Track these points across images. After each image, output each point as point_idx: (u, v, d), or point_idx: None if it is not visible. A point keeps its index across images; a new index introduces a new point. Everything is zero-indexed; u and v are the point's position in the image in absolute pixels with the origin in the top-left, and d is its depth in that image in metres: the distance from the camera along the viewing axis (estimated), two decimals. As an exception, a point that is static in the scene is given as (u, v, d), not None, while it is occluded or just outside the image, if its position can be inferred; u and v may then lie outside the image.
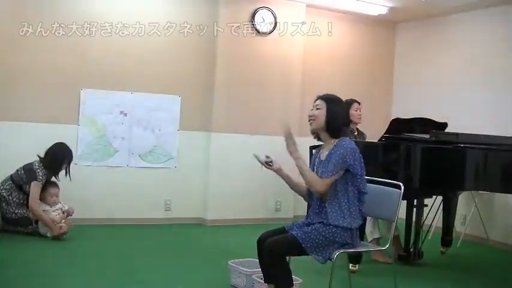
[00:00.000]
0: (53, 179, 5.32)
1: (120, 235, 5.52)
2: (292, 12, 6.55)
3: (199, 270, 4.39)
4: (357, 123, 5.35)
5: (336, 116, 3.30)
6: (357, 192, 3.25)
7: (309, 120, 3.37)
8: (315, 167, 3.35)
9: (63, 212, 5.20)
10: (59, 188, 5.25)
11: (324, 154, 3.32)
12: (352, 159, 3.18)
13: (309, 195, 3.37)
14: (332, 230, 3.16)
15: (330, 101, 3.34)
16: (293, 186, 3.41)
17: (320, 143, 3.44)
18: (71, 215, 5.26)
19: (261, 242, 3.21)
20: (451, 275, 4.74)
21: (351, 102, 5.30)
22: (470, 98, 6.31)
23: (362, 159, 3.25)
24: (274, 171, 3.32)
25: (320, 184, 3.17)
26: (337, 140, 3.28)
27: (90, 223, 5.72)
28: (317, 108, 3.33)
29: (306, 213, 3.77)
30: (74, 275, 4.03)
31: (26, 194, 5.19)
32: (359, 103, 5.36)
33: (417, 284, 4.35)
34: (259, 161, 3.29)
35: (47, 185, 5.21)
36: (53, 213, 5.11)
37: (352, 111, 5.25)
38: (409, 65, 7.26)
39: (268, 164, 3.30)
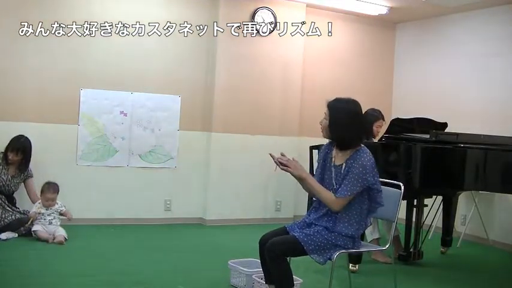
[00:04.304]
0: (52, 180, 5.24)
1: (120, 235, 5.52)
2: (292, 12, 6.55)
3: (199, 270, 4.39)
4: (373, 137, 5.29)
5: (340, 128, 3.13)
6: (371, 204, 3.18)
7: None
8: (332, 173, 3.20)
9: (60, 214, 5.17)
10: (56, 193, 5.13)
11: (339, 160, 3.19)
12: (372, 176, 3.08)
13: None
14: (335, 235, 3.14)
15: (334, 110, 3.15)
16: (307, 188, 3.28)
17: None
18: (70, 219, 5.19)
19: (262, 242, 3.21)
20: (451, 275, 4.74)
21: (377, 117, 5.19)
22: (470, 98, 6.31)
23: (377, 171, 3.15)
24: (290, 172, 3.14)
25: (336, 206, 3.10)
26: (354, 151, 3.15)
27: (90, 223, 5.72)
28: (325, 118, 3.19)
29: (306, 213, 3.76)
30: (74, 275, 4.03)
31: (6, 196, 5.20)
32: (384, 119, 5.25)
33: (417, 284, 4.36)
34: (275, 161, 3.13)
35: (45, 187, 5.16)
36: (48, 217, 5.06)
37: (374, 127, 5.18)
38: (409, 65, 7.26)
39: (283, 164, 3.12)
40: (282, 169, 3.14)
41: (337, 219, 3.16)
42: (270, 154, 3.17)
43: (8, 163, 5.24)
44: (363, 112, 3.40)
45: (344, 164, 3.16)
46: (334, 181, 3.19)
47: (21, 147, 5.25)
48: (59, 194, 5.19)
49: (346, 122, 3.14)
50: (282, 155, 3.18)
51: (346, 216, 3.15)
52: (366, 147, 3.19)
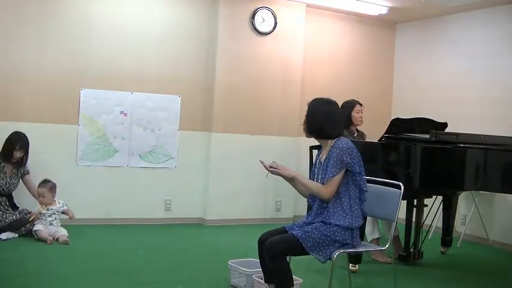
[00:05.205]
0: (46, 177, 5.24)
1: (120, 235, 5.52)
2: (292, 12, 6.55)
3: (199, 270, 4.39)
4: (357, 125, 5.33)
5: (315, 118, 3.31)
6: (358, 191, 3.26)
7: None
8: (316, 170, 3.36)
9: (63, 213, 5.18)
10: (47, 188, 5.11)
11: (323, 156, 3.33)
12: (349, 157, 3.19)
13: (311, 195, 3.38)
14: (333, 229, 3.16)
15: (311, 104, 3.36)
16: (299, 189, 3.41)
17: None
18: (71, 218, 5.20)
19: (262, 242, 3.22)
20: (451, 275, 4.74)
21: (353, 104, 5.25)
22: (470, 97, 6.31)
23: (360, 157, 3.26)
24: (281, 175, 3.29)
25: (326, 192, 3.18)
26: (333, 141, 3.28)
27: (90, 223, 5.72)
28: (305, 115, 3.38)
29: (306, 213, 3.77)
30: (74, 275, 4.03)
31: (5, 196, 5.19)
32: (361, 104, 5.32)
33: (417, 284, 4.35)
34: (265, 167, 3.28)
35: (39, 183, 5.16)
36: (48, 218, 5.06)
37: (353, 114, 5.22)
38: (409, 65, 7.26)
39: (274, 168, 3.28)
40: (273, 173, 3.31)
41: (330, 210, 3.21)
42: (260, 160, 3.32)
43: (12, 162, 5.23)
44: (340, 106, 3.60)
45: (326, 156, 3.28)
46: (320, 176, 3.29)
47: (24, 144, 5.24)
48: (56, 193, 5.18)
49: (319, 113, 3.32)
50: (273, 162, 3.33)
51: (338, 205, 3.21)
52: (345, 138, 3.31)
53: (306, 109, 3.37)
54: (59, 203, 5.19)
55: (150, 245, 5.17)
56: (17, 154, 5.20)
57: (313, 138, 3.41)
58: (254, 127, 6.44)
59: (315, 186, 3.25)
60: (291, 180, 3.31)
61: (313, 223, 3.23)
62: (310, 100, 3.40)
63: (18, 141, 5.21)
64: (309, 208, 3.50)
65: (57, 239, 4.93)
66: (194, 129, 6.30)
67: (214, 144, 6.26)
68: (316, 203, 3.31)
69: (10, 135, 5.23)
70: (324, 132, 3.31)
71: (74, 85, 5.74)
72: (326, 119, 3.30)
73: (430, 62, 6.91)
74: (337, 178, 3.17)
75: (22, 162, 5.28)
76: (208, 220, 6.25)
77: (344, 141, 3.25)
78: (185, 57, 6.22)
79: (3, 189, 5.18)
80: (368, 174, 3.37)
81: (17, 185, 5.31)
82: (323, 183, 3.21)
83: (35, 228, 4.98)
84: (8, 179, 5.23)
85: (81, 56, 5.75)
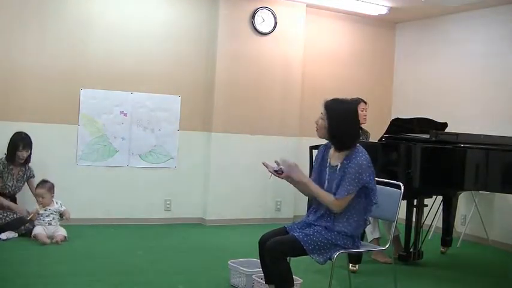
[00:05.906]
0: (52, 180, 5.24)
1: (120, 235, 5.52)
2: (292, 12, 6.55)
3: (199, 270, 4.39)
4: (361, 123, 5.32)
5: (338, 129, 3.16)
6: (366, 202, 3.20)
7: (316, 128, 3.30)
8: (324, 170, 3.27)
9: (61, 215, 5.16)
10: (46, 189, 5.10)
11: (335, 160, 3.23)
12: (367, 175, 3.12)
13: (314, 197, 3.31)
14: (334, 234, 3.15)
15: (332, 111, 3.18)
16: (302, 191, 3.33)
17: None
18: (68, 219, 5.19)
19: (262, 242, 3.21)
20: (451, 275, 4.74)
21: (357, 102, 5.25)
22: (470, 97, 6.31)
23: (373, 170, 3.18)
24: (284, 178, 3.22)
25: (338, 206, 3.12)
26: (350, 150, 3.18)
27: (90, 223, 5.73)
28: (321, 118, 3.22)
29: (306, 213, 3.76)
30: (74, 275, 4.03)
31: (9, 197, 5.18)
32: (365, 103, 5.33)
33: (417, 284, 4.35)
34: (268, 170, 3.21)
35: (38, 184, 5.17)
36: (46, 218, 5.05)
37: (359, 111, 5.21)
38: (409, 65, 7.26)
39: (277, 172, 3.18)
40: (276, 176, 3.19)
41: (335, 218, 3.18)
42: (263, 163, 3.20)
43: (18, 164, 5.22)
44: None
45: (339, 165, 3.19)
46: (327, 181, 3.22)
47: (27, 143, 5.24)
48: (54, 193, 5.17)
49: (344, 123, 3.19)
50: (277, 163, 3.19)
51: (345, 215, 3.17)
52: (361, 147, 3.22)
53: (325, 109, 3.19)
54: (57, 203, 5.18)
55: (150, 245, 5.16)
56: (23, 154, 5.21)
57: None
58: (254, 127, 6.44)
59: (326, 197, 3.14)
60: (297, 183, 3.20)
61: (315, 225, 3.21)
62: (328, 101, 3.21)
63: (20, 141, 5.21)
64: (309, 206, 3.47)
65: (56, 241, 4.91)
66: (194, 129, 6.30)
67: (214, 144, 6.26)
68: (321, 206, 3.23)
69: (12, 136, 5.23)
70: (343, 143, 3.18)
71: (74, 85, 5.74)
72: (348, 129, 3.17)
73: (430, 62, 6.91)
74: (352, 196, 3.11)
75: (26, 161, 5.28)
76: (208, 220, 6.25)
77: (363, 156, 3.13)
78: (185, 57, 6.22)
79: (9, 191, 5.20)
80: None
81: (21, 188, 5.31)
82: (334, 194, 3.12)
83: (33, 232, 4.94)
84: (15, 181, 5.23)
85: (81, 56, 5.75)
